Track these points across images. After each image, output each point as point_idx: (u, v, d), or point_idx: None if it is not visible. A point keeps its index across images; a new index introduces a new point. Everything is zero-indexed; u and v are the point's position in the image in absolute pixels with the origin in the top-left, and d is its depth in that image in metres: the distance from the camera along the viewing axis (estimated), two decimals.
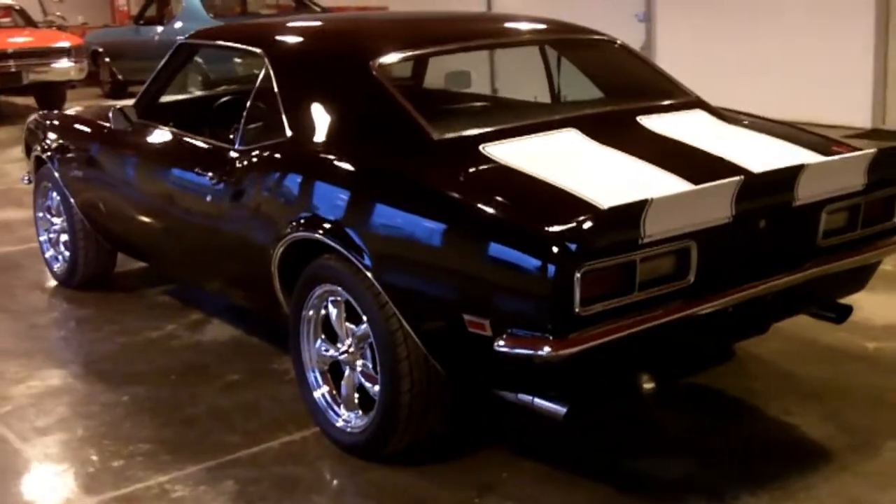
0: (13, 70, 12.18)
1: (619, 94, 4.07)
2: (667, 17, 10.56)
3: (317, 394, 3.49)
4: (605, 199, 2.78)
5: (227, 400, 3.88)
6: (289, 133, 3.64)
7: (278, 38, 4.15)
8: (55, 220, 5.33)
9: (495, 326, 2.80)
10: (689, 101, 3.89)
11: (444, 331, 3.04)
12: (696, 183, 2.94)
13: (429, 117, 3.41)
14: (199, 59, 10.15)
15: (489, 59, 10.75)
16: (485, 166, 3.18)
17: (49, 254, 5.47)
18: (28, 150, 5.51)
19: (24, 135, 5.64)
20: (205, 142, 4.16)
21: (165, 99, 4.79)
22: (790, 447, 3.38)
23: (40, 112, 5.73)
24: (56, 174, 5.10)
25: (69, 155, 5.07)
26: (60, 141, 5.15)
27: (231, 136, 4.02)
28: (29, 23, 13.56)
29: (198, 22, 11.22)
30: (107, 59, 14.11)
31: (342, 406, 3.42)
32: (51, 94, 12.63)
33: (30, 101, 13.21)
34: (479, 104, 4.63)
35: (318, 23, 4.72)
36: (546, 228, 2.72)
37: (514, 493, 3.12)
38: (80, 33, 14.32)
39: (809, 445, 3.39)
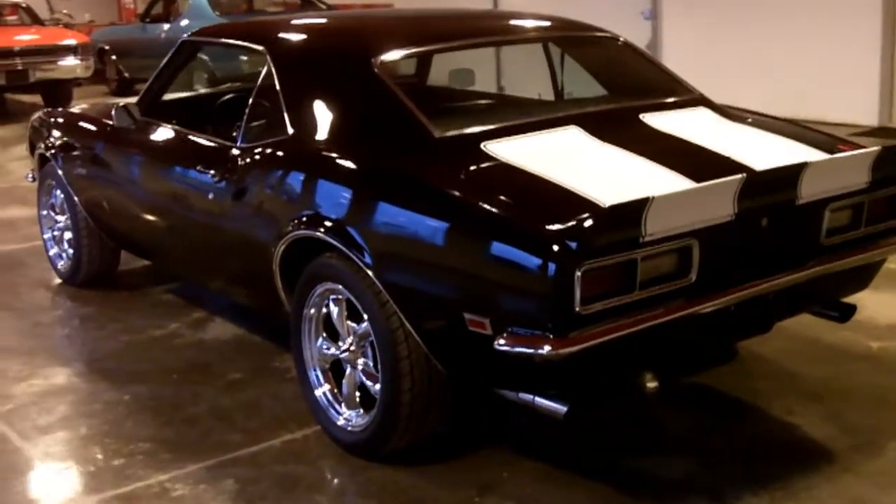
0: (20, 68, 12.20)
1: (623, 91, 4.06)
2: (673, 14, 10.54)
3: (318, 392, 3.48)
4: (607, 197, 2.77)
5: (228, 398, 3.87)
6: (290, 131, 3.64)
7: (280, 35, 4.14)
8: (59, 217, 5.33)
9: (495, 325, 2.79)
10: (692, 99, 3.87)
11: (444, 329, 3.03)
12: (698, 181, 2.92)
13: (430, 115, 3.40)
14: (205, 57, 10.17)
15: (496, 56, 10.73)
16: (486, 164, 3.17)
17: (53, 251, 5.48)
18: (32, 148, 5.52)
19: (28, 132, 5.64)
20: (207, 139, 4.16)
21: (169, 96, 4.79)
22: (792, 447, 3.37)
23: (44, 110, 5.74)
24: (60, 172, 5.11)
25: (73, 153, 5.07)
26: (64, 139, 5.16)
27: (233, 134, 4.02)
28: (35, 21, 13.58)
29: (204, 20, 11.24)
30: (113, 57, 14.13)
31: (343, 404, 3.41)
32: (57, 92, 12.64)
33: (36, 98, 13.22)
34: (481, 102, 4.62)
35: (321, 20, 4.72)
36: (546, 227, 2.71)
37: (514, 492, 3.11)
38: (86, 31, 14.34)
39: (812, 445, 3.37)
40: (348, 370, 3.37)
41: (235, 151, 3.86)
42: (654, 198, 2.65)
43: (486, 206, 2.88)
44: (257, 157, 3.74)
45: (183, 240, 4.35)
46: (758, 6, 9.62)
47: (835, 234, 3.22)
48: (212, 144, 4.09)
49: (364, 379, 3.31)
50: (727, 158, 3.20)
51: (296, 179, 3.56)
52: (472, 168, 3.15)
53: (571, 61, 4.45)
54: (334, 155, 3.45)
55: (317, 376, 3.49)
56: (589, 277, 2.65)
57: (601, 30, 4.25)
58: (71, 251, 5.27)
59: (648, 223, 2.68)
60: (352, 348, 3.33)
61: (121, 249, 5.21)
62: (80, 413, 3.84)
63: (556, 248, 2.64)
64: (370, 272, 3.10)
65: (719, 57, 9.75)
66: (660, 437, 3.47)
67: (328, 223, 3.27)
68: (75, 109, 5.64)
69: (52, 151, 5.17)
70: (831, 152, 3.36)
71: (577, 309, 2.66)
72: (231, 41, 4.42)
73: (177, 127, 4.41)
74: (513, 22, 4.44)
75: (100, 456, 3.47)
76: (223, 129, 4.28)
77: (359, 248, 3.14)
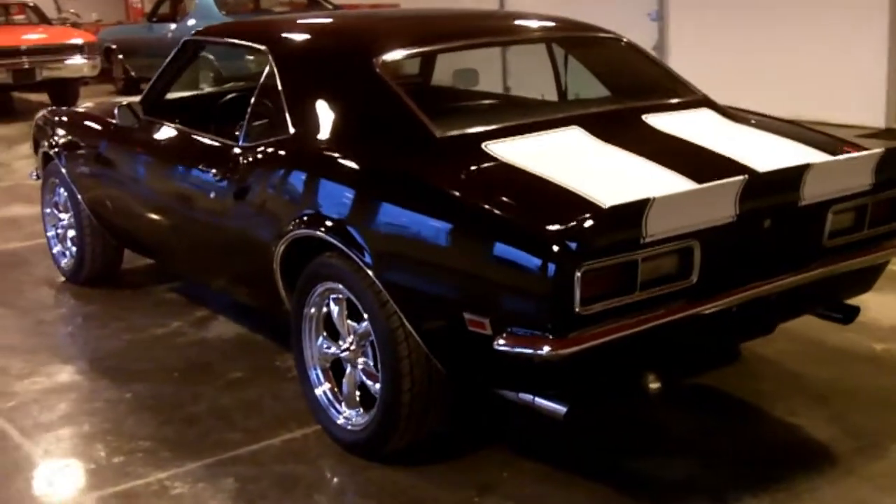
0: (27, 66, 12.24)
1: (626, 92, 4.04)
2: (679, 16, 10.52)
3: (318, 391, 3.48)
4: (607, 197, 2.75)
5: (228, 397, 3.87)
6: (292, 130, 3.64)
7: (283, 35, 4.14)
8: (63, 216, 5.34)
9: (495, 325, 2.78)
10: (695, 100, 3.86)
11: (444, 329, 3.02)
12: (699, 182, 2.91)
13: (432, 115, 3.39)
14: (210, 56, 10.18)
15: (501, 57, 10.73)
16: (487, 164, 3.16)
17: (56, 250, 5.48)
18: (36, 146, 5.53)
19: (32, 131, 5.65)
20: (209, 138, 4.16)
21: (172, 95, 4.80)
22: (795, 449, 3.35)
23: (48, 108, 5.75)
24: (63, 170, 5.12)
25: (76, 151, 5.08)
26: (68, 137, 5.17)
27: (236, 133, 4.02)
28: (43, 20, 13.62)
29: (210, 19, 11.25)
30: (120, 56, 14.17)
31: (343, 404, 3.41)
32: (64, 91, 12.68)
33: (43, 97, 13.25)
34: (483, 102, 4.61)
35: (323, 20, 4.72)
36: (546, 227, 2.70)
37: (514, 492, 3.10)
38: (93, 30, 14.38)
39: (815, 447, 3.36)
40: (348, 369, 3.36)
41: (237, 151, 3.86)
42: (654, 198, 2.64)
43: (487, 207, 2.87)
44: (259, 156, 3.74)
45: (185, 238, 4.35)
46: (765, 7, 9.60)
47: (838, 236, 3.21)
48: (214, 143, 4.09)
49: (364, 378, 3.30)
50: (729, 159, 3.18)
51: (297, 179, 3.56)
52: (473, 168, 3.14)
53: (575, 62, 4.44)
54: (335, 155, 3.45)
55: (317, 375, 3.49)
56: (589, 278, 2.64)
57: (605, 30, 4.24)
58: (74, 249, 5.27)
59: (649, 224, 2.67)
60: (352, 348, 3.33)
61: (124, 248, 5.21)
62: (81, 411, 3.84)
63: (556, 248, 2.63)
64: (370, 272, 3.09)
65: (726, 58, 9.73)
66: (661, 437, 3.46)
67: (329, 222, 3.26)
68: (79, 108, 5.64)
69: (56, 150, 5.18)
70: (835, 154, 3.34)
71: (577, 309, 2.65)
72: (233, 41, 4.43)
73: (179, 126, 4.41)
74: (516, 22, 4.43)
75: (100, 454, 3.47)
76: (225, 129, 4.28)
77: (359, 248, 3.13)
